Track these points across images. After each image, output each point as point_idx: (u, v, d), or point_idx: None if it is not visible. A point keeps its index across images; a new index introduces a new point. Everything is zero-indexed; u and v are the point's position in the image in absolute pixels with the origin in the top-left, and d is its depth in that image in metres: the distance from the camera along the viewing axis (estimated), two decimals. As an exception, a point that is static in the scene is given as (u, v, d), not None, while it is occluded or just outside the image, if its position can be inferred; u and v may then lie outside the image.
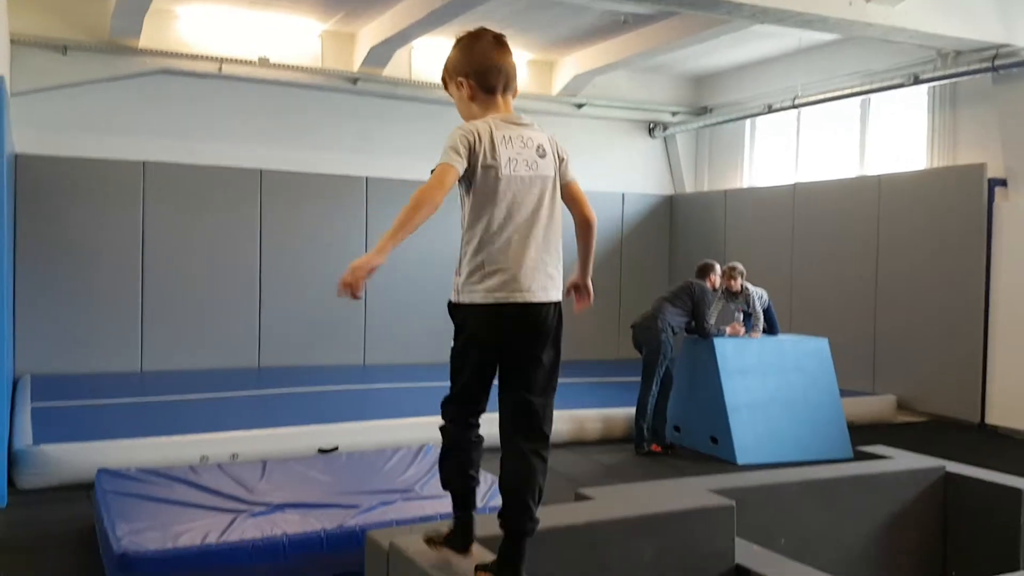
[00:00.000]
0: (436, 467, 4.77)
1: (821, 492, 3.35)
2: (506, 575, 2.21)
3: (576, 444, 6.61)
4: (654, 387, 6.39)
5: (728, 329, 6.64)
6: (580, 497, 3.16)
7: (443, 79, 2.43)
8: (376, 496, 4.18)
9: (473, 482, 2.38)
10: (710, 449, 6.37)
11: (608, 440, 6.74)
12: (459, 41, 2.38)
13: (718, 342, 6.39)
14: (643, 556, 2.67)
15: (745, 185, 10.58)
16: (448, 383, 2.43)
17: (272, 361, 8.73)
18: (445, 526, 2.38)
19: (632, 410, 6.55)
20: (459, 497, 2.37)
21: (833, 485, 3.38)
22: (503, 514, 2.26)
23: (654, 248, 11.00)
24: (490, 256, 2.25)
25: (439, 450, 2.48)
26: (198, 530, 3.66)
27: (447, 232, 9.71)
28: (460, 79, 2.35)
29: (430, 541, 2.36)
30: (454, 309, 2.32)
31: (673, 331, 6.42)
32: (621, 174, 10.84)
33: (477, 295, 2.26)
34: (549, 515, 2.84)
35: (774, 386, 6.44)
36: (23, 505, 4.71)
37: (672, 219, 11.13)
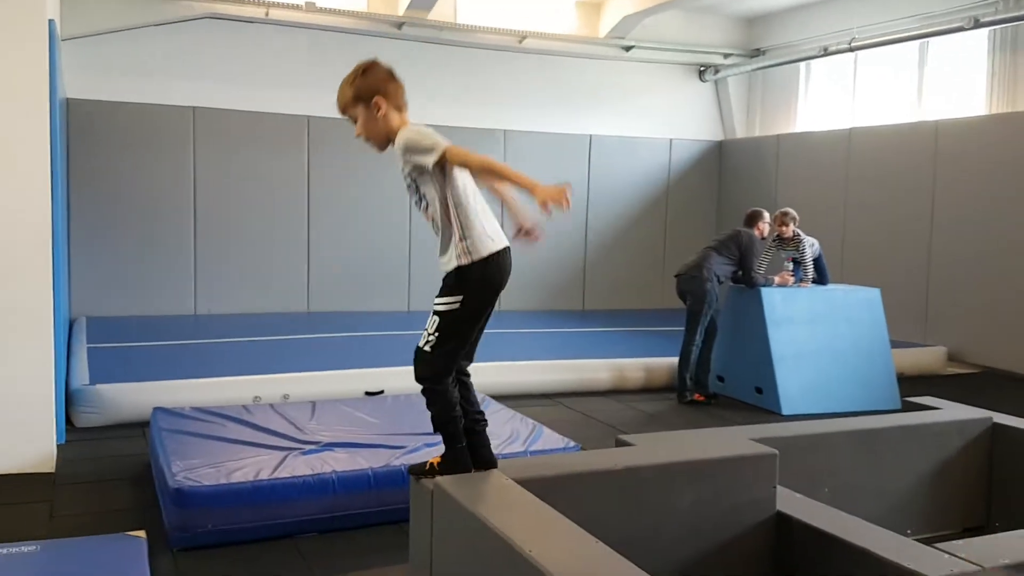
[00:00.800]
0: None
1: (867, 442, 3.33)
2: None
3: (617, 392, 6.64)
4: (698, 337, 6.35)
5: (776, 278, 6.55)
6: (620, 443, 3.18)
7: (350, 103, 2.74)
8: (420, 438, 4.26)
9: (460, 417, 2.70)
10: (755, 399, 6.35)
11: (650, 389, 6.75)
12: (363, 70, 2.72)
13: (766, 292, 6.31)
14: (682, 502, 2.69)
15: (798, 130, 10.33)
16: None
17: (320, 306, 8.87)
18: (432, 458, 2.70)
19: (675, 359, 6.54)
20: (455, 433, 2.66)
21: (879, 435, 3.36)
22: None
23: (702, 196, 10.84)
24: (479, 219, 2.64)
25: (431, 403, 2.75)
26: (250, 467, 3.77)
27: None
28: (377, 99, 2.67)
29: (420, 474, 2.65)
30: (466, 271, 2.61)
31: (719, 280, 6.36)
32: (669, 119, 10.66)
33: (487, 246, 2.62)
34: (589, 460, 2.87)
35: (822, 336, 6.36)
36: (81, 442, 4.88)
37: (721, 166, 10.94)
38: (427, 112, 9.25)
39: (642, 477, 2.69)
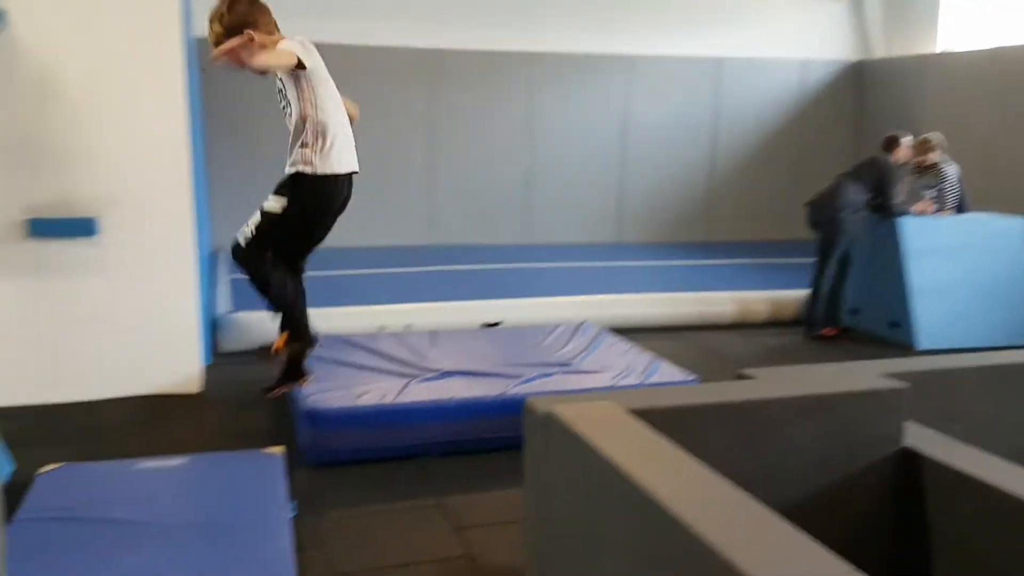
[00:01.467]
0: (592, 343, 4.86)
1: (1006, 378, 3.14)
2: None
3: (742, 327, 6.49)
4: (830, 268, 6.11)
5: (916, 207, 6.19)
6: (741, 376, 3.12)
7: (222, 38, 2.89)
8: (536, 368, 4.32)
9: (294, 295, 2.99)
10: (890, 333, 6.08)
11: (777, 323, 6.57)
12: (228, 6, 2.92)
13: (904, 221, 5.98)
14: (804, 437, 2.62)
15: (944, 49, 9.58)
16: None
17: (443, 240, 9.03)
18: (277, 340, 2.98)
19: (805, 292, 6.32)
20: (287, 312, 2.99)
21: (1019, 371, 3.16)
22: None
23: (838, 120, 10.27)
24: (334, 139, 2.81)
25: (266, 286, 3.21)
26: (376, 391, 3.94)
27: (609, 116, 9.49)
28: (247, 32, 2.81)
29: (267, 357, 3.02)
30: (300, 178, 2.83)
31: (854, 209, 6.06)
32: (801, 40, 10.06)
33: (331, 166, 2.86)
34: (705, 393, 2.83)
35: (963, 268, 6.00)
36: (224, 365, 5.21)
37: (859, 88, 10.31)
38: (550, 40, 9.14)
39: (761, 411, 2.63)
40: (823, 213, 6.09)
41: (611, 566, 2.07)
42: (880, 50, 10.29)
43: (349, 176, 2.86)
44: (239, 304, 5.76)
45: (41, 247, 4.41)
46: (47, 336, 4.48)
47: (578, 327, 5.25)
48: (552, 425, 2.41)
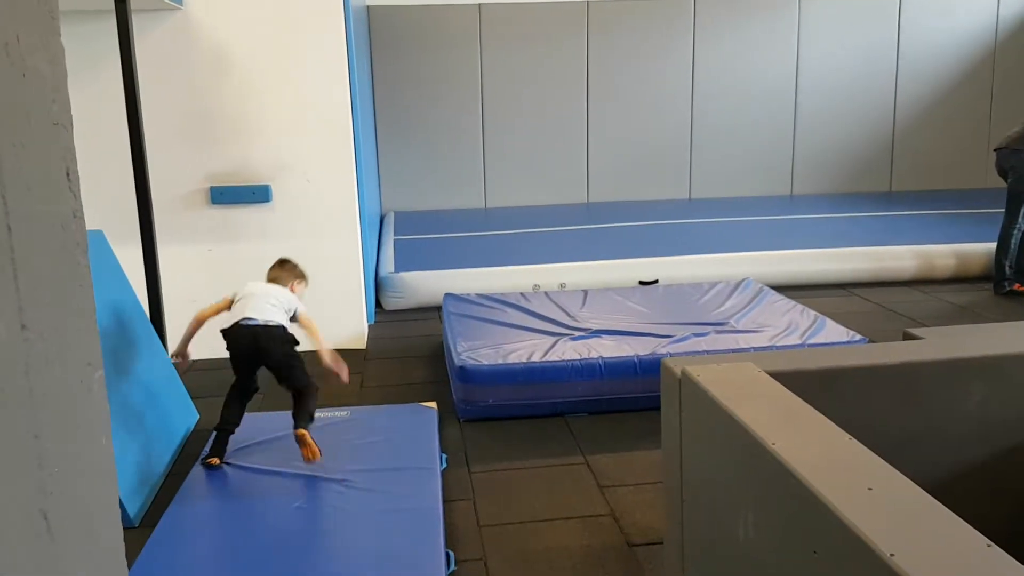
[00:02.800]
0: (753, 301, 4.70)
1: None
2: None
3: (923, 282, 6.06)
4: (1020, 219, 5.56)
5: None
6: (908, 336, 2.92)
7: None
8: (690, 327, 4.23)
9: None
10: (1092, 290, 5.48)
11: (962, 279, 6.08)
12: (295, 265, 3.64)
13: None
14: (969, 401, 2.43)
15: None
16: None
17: (599, 197, 8.95)
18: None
19: (993, 245, 5.80)
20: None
21: None
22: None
23: (1042, 55, 9.25)
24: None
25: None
26: (525, 349, 4.00)
27: (779, 59, 8.99)
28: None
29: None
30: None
31: (1050, 154, 5.48)
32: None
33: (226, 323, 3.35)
34: (862, 355, 2.67)
35: None
36: (388, 323, 5.46)
37: (1067, 18, 9.22)
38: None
39: (922, 373, 2.45)
40: (1013, 158, 5.53)
41: (744, 530, 2.02)
42: (1096, -28, 9.13)
43: (235, 326, 3.29)
44: (401, 264, 6.00)
45: (222, 213, 4.77)
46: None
47: (739, 284, 5.08)
48: (686, 386, 2.36)
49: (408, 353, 4.86)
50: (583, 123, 8.94)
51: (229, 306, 3.40)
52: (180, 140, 4.68)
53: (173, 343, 3.59)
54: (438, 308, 5.49)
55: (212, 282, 4.80)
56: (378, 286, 5.80)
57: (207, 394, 4.13)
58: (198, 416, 3.96)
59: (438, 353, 4.77)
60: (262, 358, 3.28)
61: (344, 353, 4.88)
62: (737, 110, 8.80)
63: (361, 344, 4.99)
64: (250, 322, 3.23)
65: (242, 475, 3.23)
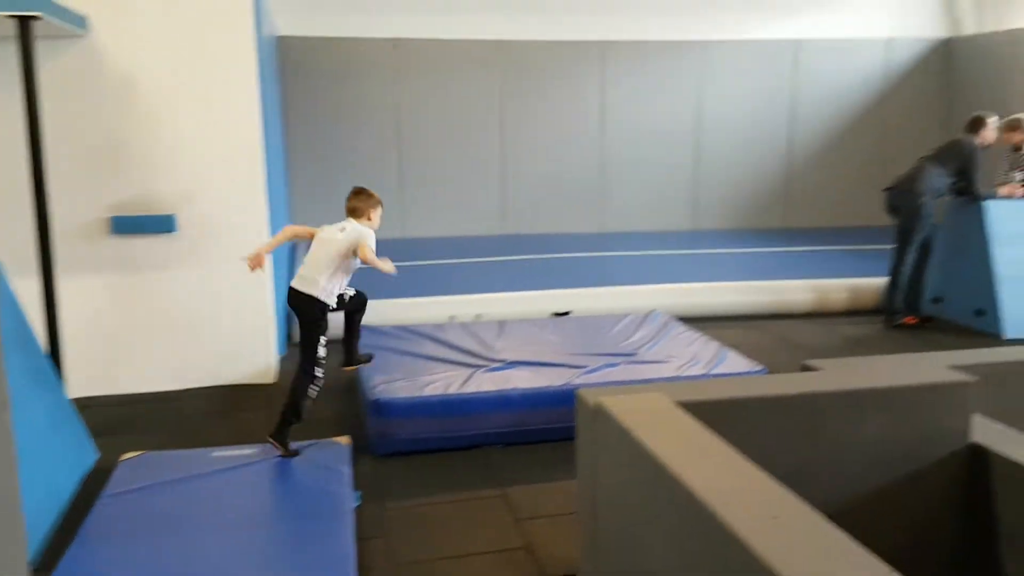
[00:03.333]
0: (660, 333, 4.82)
1: (1090, 372, 2.98)
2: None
3: (819, 315, 6.33)
4: (910, 255, 5.89)
5: (1003, 190, 5.92)
6: (806, 368, 3.05)
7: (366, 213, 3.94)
8: (602, 358, 4.31)
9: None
10: (975, 322, 5.84)
11: (855, 312, 6.38)
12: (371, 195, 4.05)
13: (990, 205, 5.72)
14: (865, 432, 2.55)
15: (1042, 22, 9.09)
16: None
17: (516, 229, 9.05)
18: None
19: (885, 280, 6.12)
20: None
21: (1107, 365, 2.99)
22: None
23: (926, 102, 9.83)
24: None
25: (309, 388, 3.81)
26: (441, 381, 4.00)
27: (684, 102, 9.27)
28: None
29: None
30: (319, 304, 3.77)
31: (936, 194, 5.83)
32: (886, 15, 9.66)
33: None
34: (764, 385, 2.78)
35: (1056, 254, 5.71)
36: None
37: (948, 67, 9.86)
38: (621, 27, 9.04)
39: (820, 404, 2.57)
40: (903, 198, 5.87)
41: (657, 559, 2.07)
42: (971, 26, 9.82)
43: (290, 289, 3.79)
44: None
45: (123, 243, 4.63)
46: (129, 329, 4.70)
47: (647, 316, 5.21)
48: (600, 417, 2.41)
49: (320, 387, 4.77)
50: (497, 157, 9.05)
51: (309, 240, 3.86)
52: (82, 169, 4.52)
53: (71, 376, 3.46)
54: (350, 340, 5.42)
55: (110, 315, 4.64)
56: (289, 317, 5.70)
57: (106, 432, 3.97)
58: (97, 455, 3.80)
59: (352, 386, 4.71)
60: (297, 315, 3.82)
61: (252, 388, 4.79)
62: (644, 148, 9.07)
63: (271, 378, 4.90)
64: (294, 287, 3.72)
65: (146, 516, 3.12)
